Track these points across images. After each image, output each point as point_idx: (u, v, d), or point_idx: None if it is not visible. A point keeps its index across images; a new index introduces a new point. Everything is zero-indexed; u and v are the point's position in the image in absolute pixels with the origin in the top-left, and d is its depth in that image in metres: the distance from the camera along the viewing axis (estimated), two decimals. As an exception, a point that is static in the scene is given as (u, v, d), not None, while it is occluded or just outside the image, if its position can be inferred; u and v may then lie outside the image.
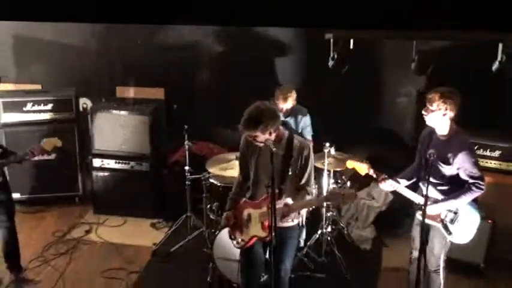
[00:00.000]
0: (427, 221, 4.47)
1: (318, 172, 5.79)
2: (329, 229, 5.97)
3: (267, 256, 4.61)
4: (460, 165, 4.47)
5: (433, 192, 4.56)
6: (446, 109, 4.40)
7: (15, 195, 6.92)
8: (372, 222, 6.29)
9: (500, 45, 5.40)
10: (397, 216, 6.36)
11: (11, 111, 6.92)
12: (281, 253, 4.41)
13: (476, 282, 5.57)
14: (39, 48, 7.48)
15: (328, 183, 5.80)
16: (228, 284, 5.35)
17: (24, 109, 6.93)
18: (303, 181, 4.39)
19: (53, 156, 6.96)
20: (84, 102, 7.34)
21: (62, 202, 7.15)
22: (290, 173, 4.32)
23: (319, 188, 5.79)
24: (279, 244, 4.21)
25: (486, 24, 2.17)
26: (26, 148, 6.77)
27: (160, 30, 7.07)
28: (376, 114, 6.95)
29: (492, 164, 5.83)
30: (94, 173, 6.89)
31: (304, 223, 5.57)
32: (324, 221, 5.90)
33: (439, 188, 4.60)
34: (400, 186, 4.71)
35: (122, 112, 6.76)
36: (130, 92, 7.41)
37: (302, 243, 5.81)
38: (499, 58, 5.38)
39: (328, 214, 5.95)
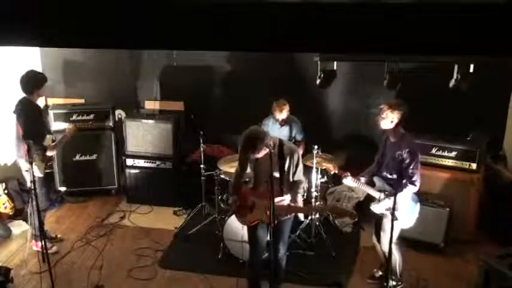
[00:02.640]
0: (379, 211, 4.62)
1: (307, 169, 5.76)
2: (317, 216, 5.93)
3: (268, 238, 4.60)
4: (405, 161, 4.46)
5: (384, 185, 4.64)
6: (393, 117, 4.46)
7: (63, 188, 6.94)
8: (351, 210, 6.23)
9: (456, 66, 5.37)
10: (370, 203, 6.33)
11: (60, 121, 6.89)
12: (279, 236, 4.42)
13: (436, 259, 5.53)
14: (83, 69, 7.47)
15: (316, 179, 5.76)
16: (235, 260, 5.31)
17: (71, 119, 6.91)
18: (296, 178, 4.39)
19: (94, 156, 6.97)
20: (119, 113, 7.32)
21: (101, 194, 7.12)
22: (285, 173, 4.31)
23: (309, 182, 5.75)
24: (278, 230, 4.26)
25: (445, 49, 2.16)
26: (72, 151, 6.83)
27: (181, 54, 7.04)
28: (354, 122, 6.93)
29: (449, 162, 5.81)
30: (127, 170, 6.87)
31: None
32: (313, 209, 5.87)
33: (390, 182, 4.59)
34: (360, 182, 4.72)
35: (150, 121, 6.74)
36: (157, 105, 7.39)
37: (303, 218, 5.72)
38: (454, 77, 5.35)
39: (317, 204, 5.90)
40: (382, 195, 4.59)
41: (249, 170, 4.56)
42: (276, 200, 4.10)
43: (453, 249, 5.63)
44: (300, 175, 4.42)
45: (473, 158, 5.71)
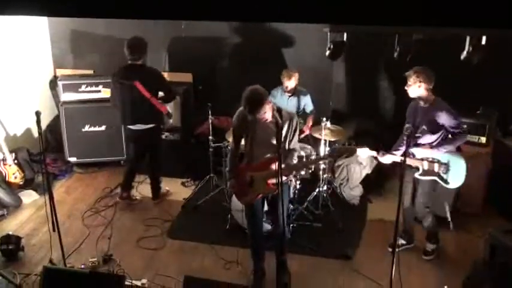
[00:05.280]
0: (424, 177, 4.68)
1: (316, 141, 5.77)
2: (325, 188, 5.95)
3: (265, 208, 4.71)
4: (444, 123, 4.55)
5: (423, 153, 4.67)
6: (420, 82, 4.52)
7: (73, 159, 6.99)
8: (359, 183, 6.25)
9: (468, 38, 5.29)
10: (380, 178, 6.33)
11: (69, 92, 6.91)
12: (278, 206, 4.38)
13: (443, 232, 5.50)
14: (91, 39, 7.43)
15: (324, 151, 5.75)
16: (242, 231, 5.36)
17: (80, 90, 6.92)
18: (292, 146, 4.37)
19: (103, 127, 6.98)
20: (128, 84, 7.28)
21: (110, 164, 7.16)
22: (284, 139, 4.27)
23: (317, 155, 5.75)
24: (276, 199, 4.30)
25: (457, 21, 2.13)
26: (80, 121, 6.86)
27: (189, 25, 6.98)
28: (364, 94, 6.87)
29: (458, 136, 5.76)
30: (136, 142, 6.87)
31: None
32: (321, 182, 5.87)
33: (433, 144, 4.67)
34: (396, 157, 4.70)
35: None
36: (165, 76, 7.34)
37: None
38: (466, 49, 5.27)
39: (325, 176, 5.92)
40: (425, 163, 4.64)
41: (242, 142, 4.52)
42: (273, 167, 4.16)
43: (460, 223, 5.63)
44: (295, 143, 4.40)
45: (483, 132, 5.67)
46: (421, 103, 4.67)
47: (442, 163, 4.62)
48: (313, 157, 5.63)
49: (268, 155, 4.29)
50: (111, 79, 5.94)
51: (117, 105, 5.90)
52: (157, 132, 6.08)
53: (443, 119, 4.54)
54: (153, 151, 6.11)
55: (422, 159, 4.67)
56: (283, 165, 4.22)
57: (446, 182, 4.65)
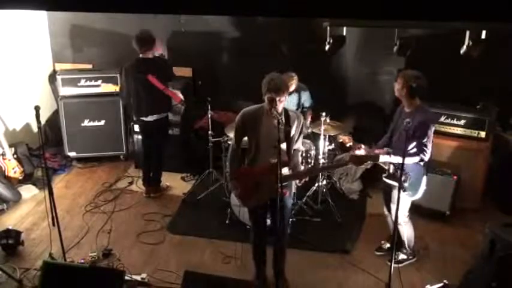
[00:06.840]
0: (390, 181, 4.50)
1: (315, 136, 5.76)
2: (324, 182, 5.95)
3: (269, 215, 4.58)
4: (416, 132, 4.31)
5: (382, 157, 4.46)
6: (405, 87, 4.33)
7: (72, 154, 6.98)
8: (359, 177, 6.26)
9: (468, 33, 5.28)
10: (379, 172, 6.31)
11: (68, 86, 6.90)
12: (284, 211, 4.31)
13: (442, 226, 5.56)
14: (91, 34, 7.41)
15: (324, 146, 5.75)
16: (242, 226, 5.36)
17: (79, 84, 6.91)
18: (296, 146, 4.30)
19: (102, 122, 6.98)
20: (127, 79, 7.28)
21: (110, 159, 7.17)
22: (292, 139, 4.20)
23: (317, 149, 5.74)
24: (282, 205, 4.05)
25: (456, 15, 2.12)
26: (80, 115, 6.86)
27: (188, 20, 6.97)
28: (363, 89, 6.87)
29: (458, 130, 5.76)
30: (135, 136, 6.84)
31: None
32: (320, 176, 5.87)
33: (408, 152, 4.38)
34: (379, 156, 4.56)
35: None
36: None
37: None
38: (466, 43, 5.26)
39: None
40: (392, 167, 4.52)
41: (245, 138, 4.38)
42: (284, 170, 4.02)
43: (459, 218, 5.63)
44: (300, 143, 4.35)
45: (482, 126, 5.66)
46: (405, 108, 4.52)
47: (405, 172, 4.34)
48: (312, 152, 5.63)
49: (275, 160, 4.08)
50: (123, 73, 6.03)
51: (126, 97, 6.05)
52: (166, 122, 6.14)
53: (415, 126, 4.24)
54: (159, 144, 6.14)
55: (391, 163, 4.50)
56: (297, 170, 4.22)
57: (403, 189, 4.37)
